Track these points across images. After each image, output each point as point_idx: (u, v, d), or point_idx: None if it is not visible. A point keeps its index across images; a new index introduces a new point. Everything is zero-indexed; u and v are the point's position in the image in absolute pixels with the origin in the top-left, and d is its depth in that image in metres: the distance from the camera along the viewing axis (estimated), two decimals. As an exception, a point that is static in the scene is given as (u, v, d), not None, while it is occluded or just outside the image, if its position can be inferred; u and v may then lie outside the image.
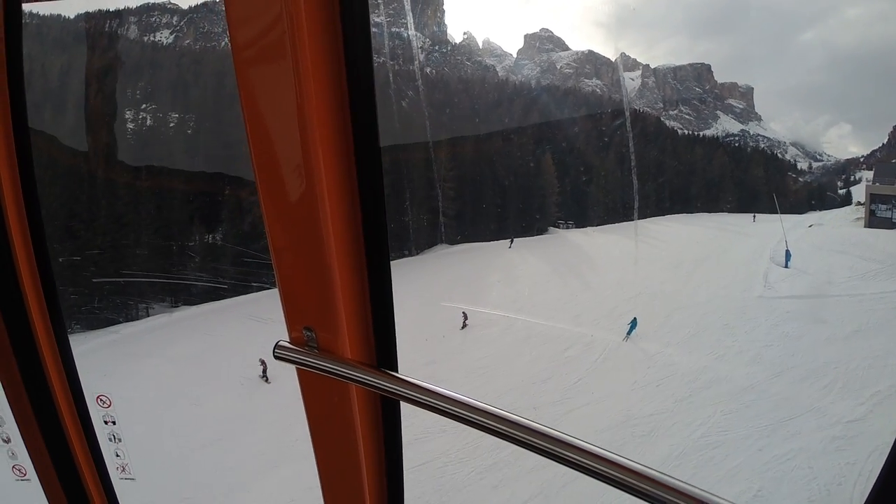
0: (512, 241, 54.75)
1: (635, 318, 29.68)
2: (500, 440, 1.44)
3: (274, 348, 1.75)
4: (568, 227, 63.31)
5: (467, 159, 63.42)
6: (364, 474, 1.95)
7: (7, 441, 3.08)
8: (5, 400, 2.50)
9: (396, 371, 1.72)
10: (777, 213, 49.85)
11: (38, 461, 2.64)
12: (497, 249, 53.37)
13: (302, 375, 1.84)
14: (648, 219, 62.05)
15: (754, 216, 58.24)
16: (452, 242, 57.61)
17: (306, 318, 1.72)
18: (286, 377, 28.60)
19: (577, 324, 31.76)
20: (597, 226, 62.21)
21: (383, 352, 1.79)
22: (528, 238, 58.18)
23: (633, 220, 60.29)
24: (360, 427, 1.86)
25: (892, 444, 1.10)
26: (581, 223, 63.95)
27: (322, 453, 2.00)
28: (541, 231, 61.67)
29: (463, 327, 32.92)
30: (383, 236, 1.63)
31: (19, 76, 2.10)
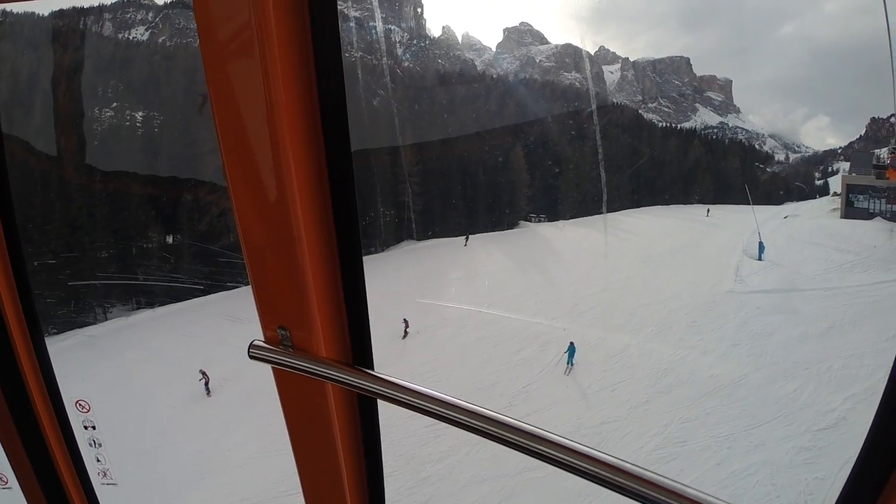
0: (467, 239, 52.04)
1: (573, 344, 26.00)
2: (490, 441, 1.41)
3: (249, 348, 1.72)
4: (540, 221, 61.38)
5: (437, 154, 61.69)
6: (343, 472, 1.92)
7: None
8: None
9: (372, 369, 1.72)
10: (751, 204, 48.29)
11: (18, 468, 2.64)
12: (468, 243, 51.22)
13: (277, 375, 1.81)
14: (622, 211, 60.66)
15: (708, 210, 56.80)
16: (420, 238, 55.36)
17: (280, 318, 1.71)
18: (230, 388, 26.66)
19: (533, 324, 29.62)
20: (569, 219, 60.30)
21: (358, 349, 1.78)
22: (496, 233, 55.98)
23: (606, 213, 58.66)
24: (337, 425, 1.84)
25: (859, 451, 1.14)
26: (553, 217, 62.21)
27: (301, 452, 1.97)
28: (511, 225, 59.60)
29: (404, 336, 30.22)
30: (355, 234, 1.62)
31: None
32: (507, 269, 41.01)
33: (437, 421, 1.51)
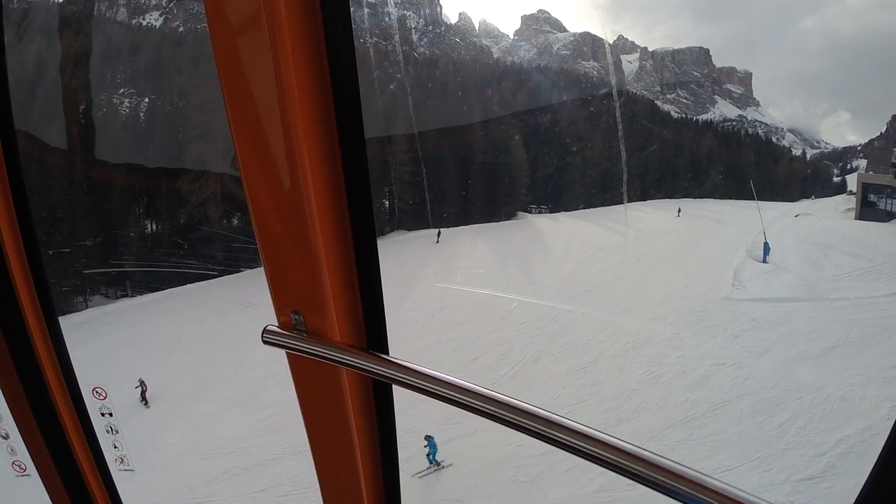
0: (440, 234, 47.84)
1: (431, 438, 18.53)
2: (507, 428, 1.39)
3: (263, 333, 1.73)
4: (540, 212, 58.39)
5: (437, 143, 59.34)
6: (358, 457, 1.92)
7: (6, 437, 3.16)
8: (2, 396, 2.50)
9: (387, 353, 1.70)
10: (755, 200, 45.10)
11: (37, 456, 2.67)
12: (453, 235, 48.10)
13: (292, 360, 1.81)
14: (628, 204, 57.79)
15: (679, 209, 52.21)
16: (411, 228, 52.52)
17: (294, 302, 1.70)
18: (170, 398, 24.06)
19: (499, 328, 26.62)
20: (571, 211, 57.40)
21: (373, 334, 1.76)
22: (492, 224, 53.04)
23: (610, 205, 56.90)
24: (351, 410, 1.83)
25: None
26: (556, 208, 59.42)
27: (315, 438, 1.98)
28: (509, 216, 56.66)
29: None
30: (369, 218, 1.61)
31: (1, 71, 2.18)
32: (488, 264, 38.05)
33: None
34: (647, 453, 1.20)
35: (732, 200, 57.32)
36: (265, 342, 1.72)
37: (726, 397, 19.80)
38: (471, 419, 18.13)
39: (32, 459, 2.67)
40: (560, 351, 23.90)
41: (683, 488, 1.15)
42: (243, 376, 24.34)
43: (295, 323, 1.69)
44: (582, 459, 1.27)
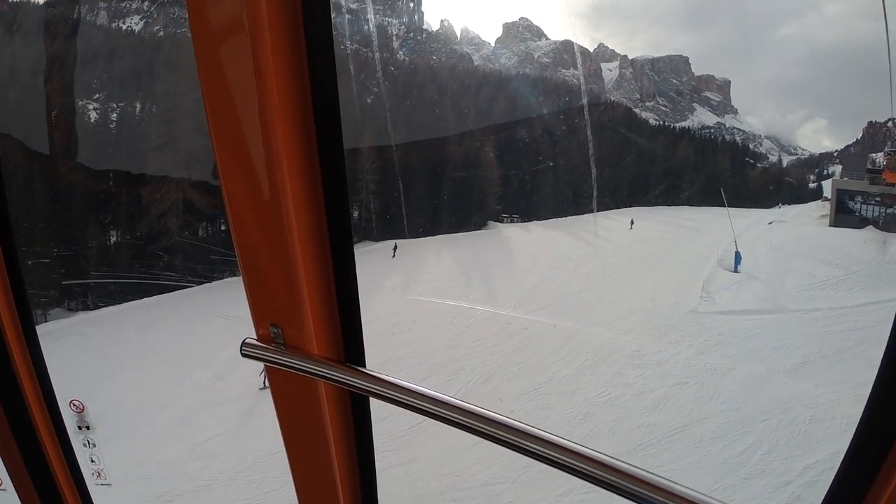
0: (396, 248, 45.62)
1: None
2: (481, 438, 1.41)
3: (241, 346, 1.74)
4: (512, 222, 57.05)
5: (410, 151, 58.19)
6: (336, 470, 1.93)
7: None
8: None
9: (364, 366, 1.72)
10: (735, 207, 44.08)
11: (13, 470, 2.63)
12: (420, 246, 46.51)
13: (270, 373, 1.82)
14: (602, 212, 56.69)
15: (632, 221, 50.02)
16: (378, 239, 50.90)
17: (272, 315, 1.71)
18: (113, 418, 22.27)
19: (454, 345, 25.01)
20: (543, 220, 56.16)
21: (351, 347, 1.76)
22: (461, 234, 51.56)
23: (584, 214, 56.01)
24: (329, 423, 1.84)
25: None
26: (527, 217, 58.19)
27: (293, 450, 1.98)
28: (479, 226, 55.21)
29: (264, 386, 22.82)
30: (347, 231, 1.63)
31: None
32: (450, 277, 36.41)
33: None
34: (622, 464, 1.21)
35: (708, 208, 56.26)
36: (244, 355, 1.72)
37: (686, 420, 18.22)
38: (414, 445, 16.28)
39: (9, 473, 2.60)
40: (513, 370, 22.25)
41: (658, 498, 1.15)
42: (191, 395, 23.10)
43: (273, 336, 1.70)
44: (561, 471, 1.26)
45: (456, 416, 1.43)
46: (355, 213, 52.57)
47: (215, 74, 1.43)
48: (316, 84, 1.42)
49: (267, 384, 16.18)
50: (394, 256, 42.98)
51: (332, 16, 1.40)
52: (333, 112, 1.46)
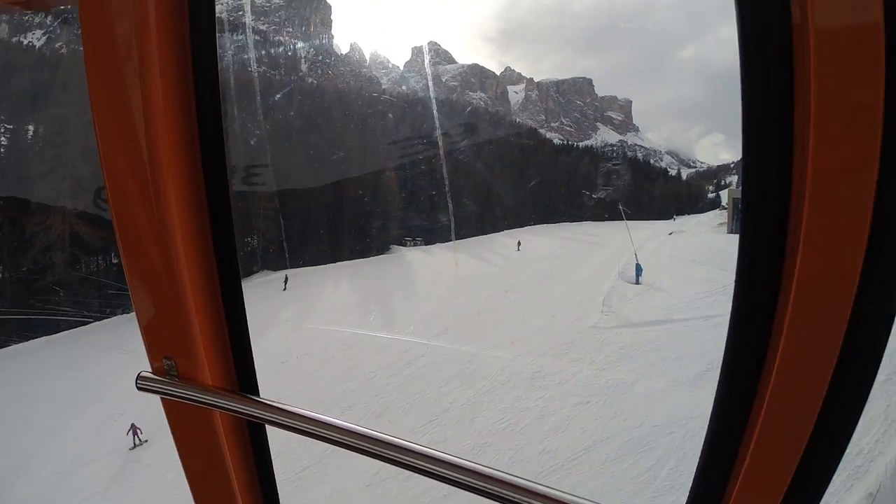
0: (287, 281, 42.84)
1: None
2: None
3: (136, 379, 1.73)
4: (415, 245, 55.81)
5: (309, 174, 56.06)
6: (238, 500, 1.89)
7: None
8: None
9: (258, 395, 1.71)
10: (638, 220, 44.72)
11: None
12: (318, 274, 44.39)
13: (167, 406, 1.80)
14: (505, 231, 57.84)
15: (519, 242, 49.61)
16: (276, 268, 48.29)
17: (165, 348, 1.71)
18: None
19: (347, 378, 23.27)
20: (448, 242, 55.35)
21: (243, 376, 1.76)
22: (362, 260, 49.92)
23: (489, 234, 56.82)
24: (228, 453, 1.81)
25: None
26: (432, 240, 57.44)
27: (195, 483, 1.93)
28: (382, 250, 53.54)
29: (134, 445, 21.21)
30: (234, 262, 1.63)
31: None
32: (348, 306, 34.55)
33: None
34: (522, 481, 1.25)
35: (610, 222, 56.85)
36: (139, 388, 1.70)
37: (589, 442, 17.12)
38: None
39: None
40: (409, 402, 20.69)
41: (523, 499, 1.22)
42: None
43: (167, 368, 1.69)
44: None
45: (354, 441, 1.42)
46: (252, 242, 50.17)
47: (107, 105, 1.42)
48: (203, 118, 1.41)
49: (137, 442, 13.51)
50: (285, 289, 40.30)
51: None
52: (219, 146, 1.45)
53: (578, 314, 27.42)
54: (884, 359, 1.07)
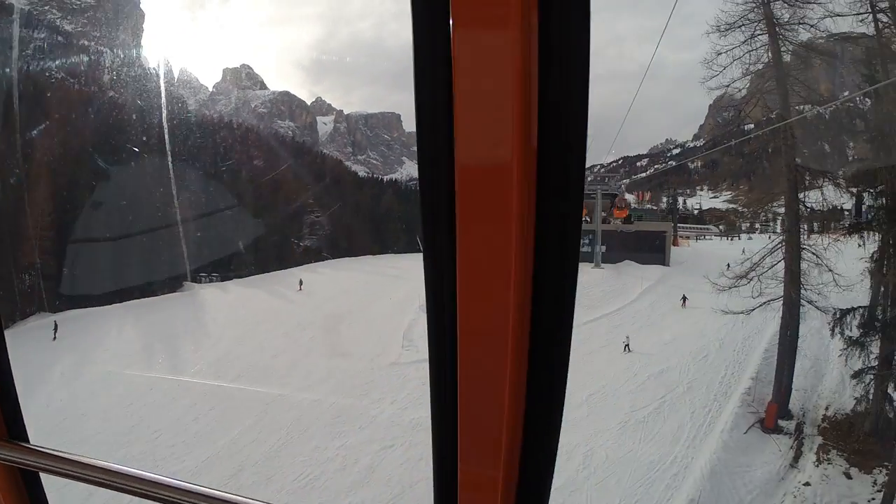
0: (56, 329, 36.43)
1: None
2: None
3: None
4: (211, 281, 52.05)
5: (101, 203, 50.21)
6: None
7: None
8: None
9: (27, 441, 1.64)
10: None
11: None
12: (97, 317, 39.36)
13: None
14: (306, 266, 55.99)
15: (300, 281, 46.38)
16: (57, 309, 42.18)
17: None
18: None
19: (125, 443, 20.62)
20: (246, 277, 52.64)
21: (11, 422, 1.67)
22: (149, 299, 45.39)
23: (287, 268, 54.72)
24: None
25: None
26: (228, 275, 54.14)
27: None
28: (172, 288, 49.15)
29: None
30: None
31: None
32: (129, 353, 30.69)
33: None
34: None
35: (412, 254, 57.35)
36: None
37: (397, 489, 16.74)
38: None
39: None
40: (193, 467, 18.74)
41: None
42: None
43: None
44: None
45: (134, 486, 1.36)
46: (27, 280, 43.91)
47: None
48: None
49: None
50: (55, 339, 35.00)
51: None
52: None
53: (378, 351, 27.13)
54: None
